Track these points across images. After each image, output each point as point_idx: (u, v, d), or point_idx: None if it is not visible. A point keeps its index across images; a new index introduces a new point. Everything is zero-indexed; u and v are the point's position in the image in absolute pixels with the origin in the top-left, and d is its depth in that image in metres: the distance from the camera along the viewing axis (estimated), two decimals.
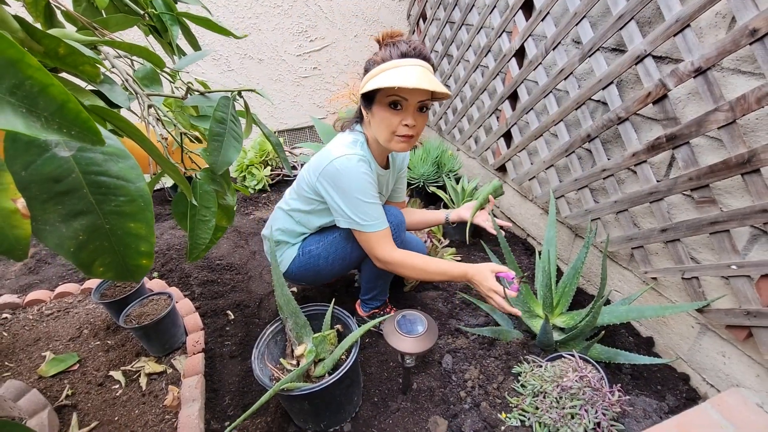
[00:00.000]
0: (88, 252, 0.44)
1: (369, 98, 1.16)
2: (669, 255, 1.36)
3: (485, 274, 1.14)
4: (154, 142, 0.58)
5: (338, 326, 1.33)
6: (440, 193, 2.23)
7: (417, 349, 1.10)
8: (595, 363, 1.22)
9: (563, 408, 1.12)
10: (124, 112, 0.58)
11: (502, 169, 2.18)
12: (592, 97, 1.51)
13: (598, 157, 1.50)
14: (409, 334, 1.13)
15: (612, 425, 1.08)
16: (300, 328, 1.31)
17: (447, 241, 2.04)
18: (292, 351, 1.30)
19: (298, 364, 1.27)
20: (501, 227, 1.50)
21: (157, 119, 0.68)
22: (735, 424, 1.14)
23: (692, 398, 1.34)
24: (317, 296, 1.82)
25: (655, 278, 1.41)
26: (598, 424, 1.08)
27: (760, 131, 1.06)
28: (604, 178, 1.48)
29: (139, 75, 0.73)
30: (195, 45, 1.08)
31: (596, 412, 1.08)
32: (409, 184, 2.40)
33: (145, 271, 0.48)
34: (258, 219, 2.46)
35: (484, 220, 1.46)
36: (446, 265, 1.20)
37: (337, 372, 1.12)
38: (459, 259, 2.00)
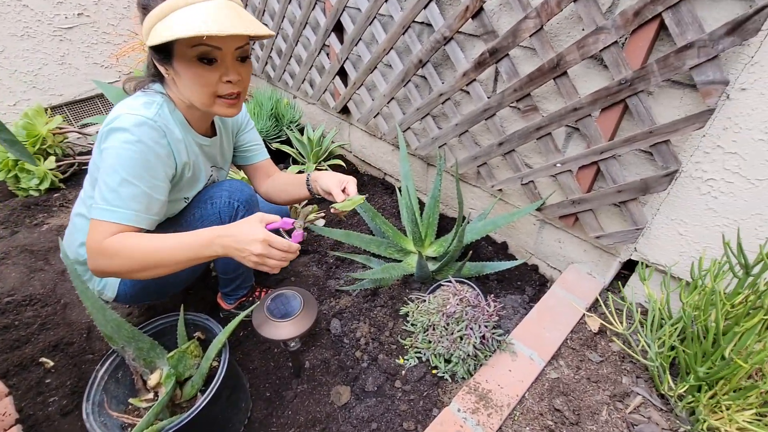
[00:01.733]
0: None
1: (163, 51, 0.86)
2: (508, 166, 1.48)
3: (247, 229, 0.83)
4: None
5: (197, 334, 1.09)
6: (285, 148, 2.01)
7: (297, 331, 0.97)
8: (468, 282, 1.28)
9: (452, 334, 1.15)
10: None
11: (345, 110, 2.06)
12: (416, 19, 1.45)
13: (433, 83, 1.48)
14: (284, 318, 0.98)
15: (493, 333, 1.16)
16: (147, 353, 1.04)
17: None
18: (144, 383, 1.03)
19: (156, 396, 1.02)
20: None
21: None
22: (574, 293, 1.36)
23: (543, 283, 1.55)
24: (163, 304, 1.49)
25: (500, 189, 1.52)
26: (483, 336, 1.14)
27: (561, 35, 1.14)
28: (442, 103, 1.49)
29: None
30: None
31: (479, 327, 1.14)
32: None
33: None
34: (55, 228, 1.86)
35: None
36: (186, 237, 0.86)
37: (211, 387, 0.92)
38: (323, 215, 1.87)
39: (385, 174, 2.12)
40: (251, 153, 1.28)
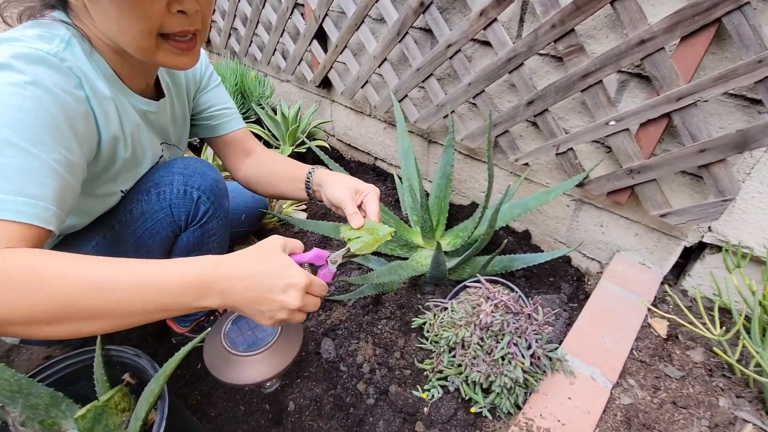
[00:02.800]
0: None
1: None
2: (536, 134, 1.18)
3: (278, 266, 0.54)
4: None
5: (126, 376, 0.74)
6: (256, 129, 1.66)
7: (274, 368, 0.64)
8: (503, 281, 0.98)
9: (490, 353, 0.84)
10: None
11: (325, 84, 1.73)
12: None
13: (439, 32, 1.17)
14: (252, 349, 0.64)
15: (545, 349, 0.86)
16: (46, 411, 0.69)
17: None
18: None
19: None
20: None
21: None
22: (629, 288, 1.08)
23: (580, 277, 1.27)
24: None
25: (527, 164, 1.23)
26: (533, 355, 0.84)
27: None
28: (450, 57, 1.18)
29: None
30: None
31: (528, 343, 0.84)
32: None
33: None
34: None
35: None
36: (157, 268, 0.50)
37: None
38: (304, 209, 1.53)
39: (376, 158, 1.80)
40: (218, 120, 0.92)
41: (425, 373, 0.92)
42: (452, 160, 1.18)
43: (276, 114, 1.65)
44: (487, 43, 1.15)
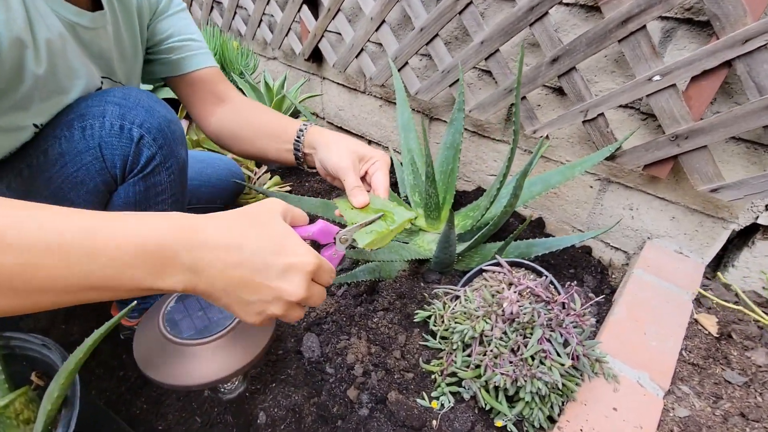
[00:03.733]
0: None
1: None
2: (558, 101, 1.03)
3: (277, 238, 0.37)
4: None
5: (34, 375, 0.54)
6: None
7: (232, 364, 0.45)
8: (528, 263, 0.81)
9: (516, 350, 0.66)
10: None
11: (316, 57, 1.56)
12: None
13: None
14: (201, 337, 0.45)
15: (585, 345, 0.68)
16: None
17: (264, 168, 1.35)
18: None
19: None
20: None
21: None
22: (669, 278, 0.92)
23: (602, 269, 1.10)
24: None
25: (546, 137, 1.07)
26: (572, 354, 0.66)
27: None
28: (460, 12, 1.02)
29: None
30: None
31: (565, 340, 0.66)
32: (177, 102, 1.53)
33: None
34: None
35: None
36: (99, 222, 0.32)
37: None
38: (288, 190, 1.35)
39: (370, 141, 1.63)
40: (180, 54, 0.73)
41: (432, 376, 0.74)
42: (461, 128, 1.02)
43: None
44: None
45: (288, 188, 1.33)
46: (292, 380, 0.74)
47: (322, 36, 1.45)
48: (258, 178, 1.29)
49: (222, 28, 1.90)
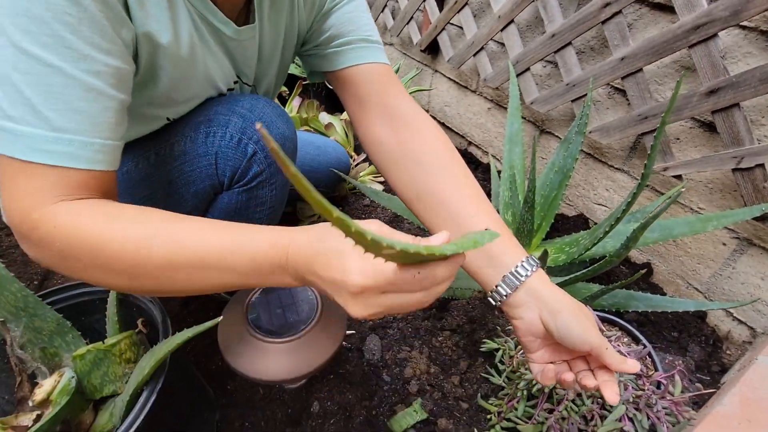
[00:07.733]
0: None
1: None
2: (703, 137, 0.87)
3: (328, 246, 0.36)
4: None
5: (141, 321, 0.63)
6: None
7: (298, 368, 0.47)
8: (624, 324, 0.71)
9: (588, 420, 0.59)
10: None
11: (432, 49, 1.52)
12: None
13: None
14: (276, 337, 0.48)
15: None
16: (50, 339, 0.61)
17: (363, 156, 1.38)
18: (32, 389, 0.59)
19: (38, 419, 0.57)
20: None
21: None
22: None
23: (717, 342, 0.94)
24: None
25: (678, 177, 0.92)
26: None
27: None
28: (603, 21, 0.90)
29: None
30: None
31: (651, 425, 0.58)
32: (295, 78, 1.61)
33: None
34: None
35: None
36: (232, 240, 0.40)
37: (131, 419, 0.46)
38: (382, 181, 1.36)
39: (470, 143, 1.56)
40: (336, 47, 0.63)
41: (488, 416, 0.70)
42: (576, 153, 0.92)
43: None
44: (659, 6, 0.85)
45: (382, 179, 1.34)
46: (349, 377, 0.76)
47: (443, 29, 1.40)
48: (356, 166, 1.32)
49: None
